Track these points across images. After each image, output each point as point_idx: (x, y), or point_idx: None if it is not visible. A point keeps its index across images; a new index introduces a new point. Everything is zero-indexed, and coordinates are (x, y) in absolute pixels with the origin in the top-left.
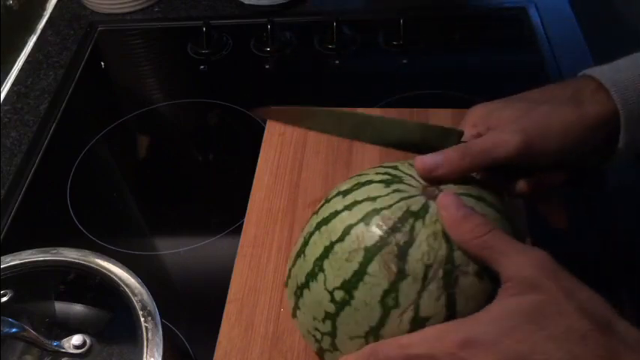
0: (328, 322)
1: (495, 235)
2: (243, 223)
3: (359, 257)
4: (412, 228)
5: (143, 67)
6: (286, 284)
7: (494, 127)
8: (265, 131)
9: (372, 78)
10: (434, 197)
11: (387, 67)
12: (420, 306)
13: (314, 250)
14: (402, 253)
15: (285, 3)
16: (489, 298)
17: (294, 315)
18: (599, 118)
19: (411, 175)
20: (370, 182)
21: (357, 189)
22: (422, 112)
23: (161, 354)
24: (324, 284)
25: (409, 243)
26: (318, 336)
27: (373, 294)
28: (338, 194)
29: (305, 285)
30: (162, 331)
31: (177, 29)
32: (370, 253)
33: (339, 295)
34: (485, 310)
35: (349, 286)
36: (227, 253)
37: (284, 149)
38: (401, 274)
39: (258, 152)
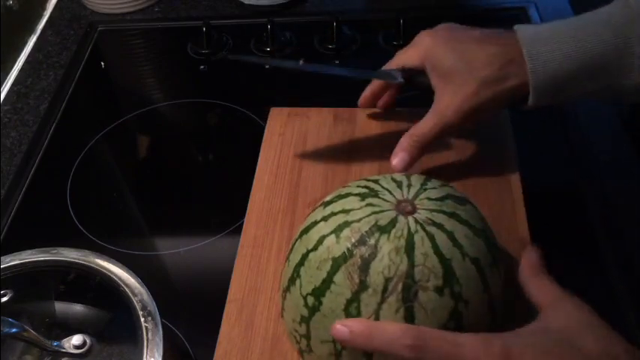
0: (304, 326)
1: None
2: (243, 223)
3: (327, 267)
4: (377, 242)
5: (143, 67)
6: (279, 286)
7: (442, 74)
8: (265, 131)
9: None
10: (405, 213)
11: None
12: (380, 317)
13: (295, 257)
14: (365, 266)
15: (285, 3)
16: (451, 313)
17: (282, 315)
18: (522, 85)
19: (388, 190)
20: (348, 195)
21: (336, 201)
22: (420, 110)
23: (161, 354)
24: (300, 289)
25: (372, 256)
26: (297, 337)
27: (338, 302)
28: (321, 205)
29: (287, 288)
30: (163, 331)
31: (177, 29)
32: (337, 263)
33: (310, 300)
34: (527, 327)
35: (318, 293)
36: (227, 253)
37: (284, 149)
38: (362, 285)
39: (258, 152)
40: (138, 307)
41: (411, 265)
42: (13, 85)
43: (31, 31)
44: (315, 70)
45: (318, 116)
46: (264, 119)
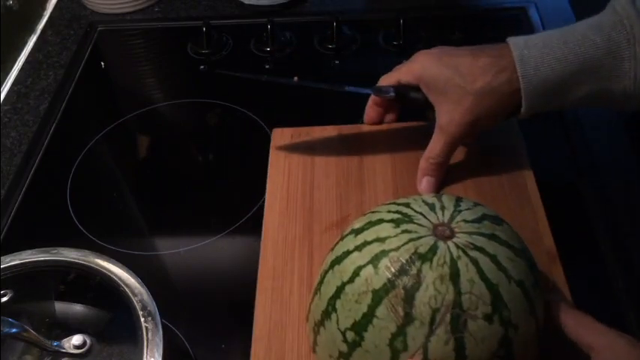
0: None
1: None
2: (242, 223)
3: (367, 300)
4: (419, 271)
5: (143, 67)
6: (307, 319)
7: (438, 91)
8: (270, 155)
9: (372, 78)
10: (444, 237)
11: (387, 67)
12: (429, 350)
13: (328, 289)
14: (409, 297)
15: (285, 3)
16: (500, 341)
17: (313, 350)
18: (515, 92)
19: (422, 214)
20: (381, 221)
21: (367, 228)
22: (427, 125)
23: (161, 354)
24: (337, 324)
25: (416, 286)
26: None
27: (382, 337)
28: (351, 232)
29: (321, 323)
30: (162, 331)
31: (177, 29)
32: (378, 296)
33: (350, 335)
34: None
35: (359, 327)
36: (227, 253)
37: (292, 172)
38: (408, 318)
39: (258, 152)
40: (138, 307)
41: (458, 293)
42: (13, 85)
43: (31, 31)
44: (310, 85)
45: (322, 135)
46: (264, 119)
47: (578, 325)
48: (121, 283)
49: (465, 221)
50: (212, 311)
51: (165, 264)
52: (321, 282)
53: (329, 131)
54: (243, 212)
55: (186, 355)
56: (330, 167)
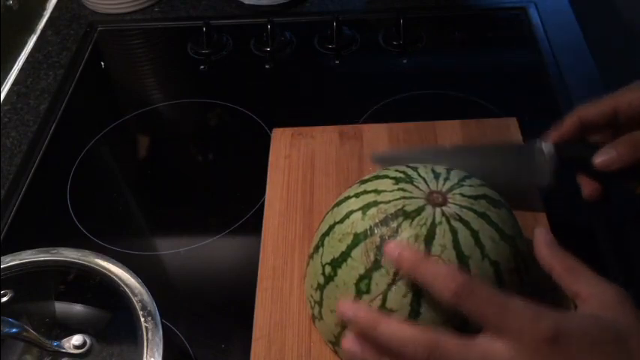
0: (319, 293)
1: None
2: (242, 223)
3: (348, 240)
4: (399, 225)
5: (143, 67)
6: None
7: None
8: (270, 154)
9: (372, 78)
10: (434, 204)
11: (387, 67)
12: (388, 298)
13: (323, 226)
14: (382, 246)
15: (285, 3)
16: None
17: (304, 280)
18: None
19: (423, 179)
20: (384, 177)
21: (371, 180)
22: (428, 125)
23: (161, 354)
24: (321, 258)
25: (391, 238)
26: (312, 303)
27: (351, 276)
28: (358, 182)
29: (311, 255)
30: (162, 331)
31: (177, 29)
32: (358, 239)
33: (327, 270)
34: (577, 312)
35: (336, 264)
36: (227, 253)
37: (292, 172)
38: (376, 264)
39: (258, 152)
40: (138, 307)
41: (427, 254)
42: (13, 85)
43: (31, 31)
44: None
45: (323, 135)
46: (264, 119)
47: (565, 271)
48: (121, 283)
49: (462, 195)
50: (212, 311)
51: (165, 264)
52: (322, 220)
53: (329, 131)
54: (243, 212)
55: (186, 355)
56: (331, 167)
